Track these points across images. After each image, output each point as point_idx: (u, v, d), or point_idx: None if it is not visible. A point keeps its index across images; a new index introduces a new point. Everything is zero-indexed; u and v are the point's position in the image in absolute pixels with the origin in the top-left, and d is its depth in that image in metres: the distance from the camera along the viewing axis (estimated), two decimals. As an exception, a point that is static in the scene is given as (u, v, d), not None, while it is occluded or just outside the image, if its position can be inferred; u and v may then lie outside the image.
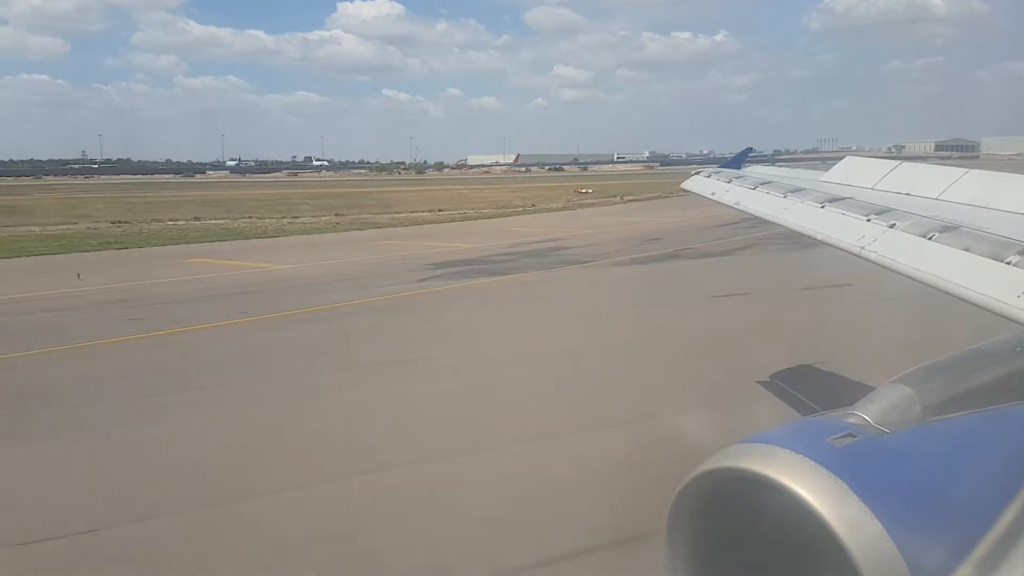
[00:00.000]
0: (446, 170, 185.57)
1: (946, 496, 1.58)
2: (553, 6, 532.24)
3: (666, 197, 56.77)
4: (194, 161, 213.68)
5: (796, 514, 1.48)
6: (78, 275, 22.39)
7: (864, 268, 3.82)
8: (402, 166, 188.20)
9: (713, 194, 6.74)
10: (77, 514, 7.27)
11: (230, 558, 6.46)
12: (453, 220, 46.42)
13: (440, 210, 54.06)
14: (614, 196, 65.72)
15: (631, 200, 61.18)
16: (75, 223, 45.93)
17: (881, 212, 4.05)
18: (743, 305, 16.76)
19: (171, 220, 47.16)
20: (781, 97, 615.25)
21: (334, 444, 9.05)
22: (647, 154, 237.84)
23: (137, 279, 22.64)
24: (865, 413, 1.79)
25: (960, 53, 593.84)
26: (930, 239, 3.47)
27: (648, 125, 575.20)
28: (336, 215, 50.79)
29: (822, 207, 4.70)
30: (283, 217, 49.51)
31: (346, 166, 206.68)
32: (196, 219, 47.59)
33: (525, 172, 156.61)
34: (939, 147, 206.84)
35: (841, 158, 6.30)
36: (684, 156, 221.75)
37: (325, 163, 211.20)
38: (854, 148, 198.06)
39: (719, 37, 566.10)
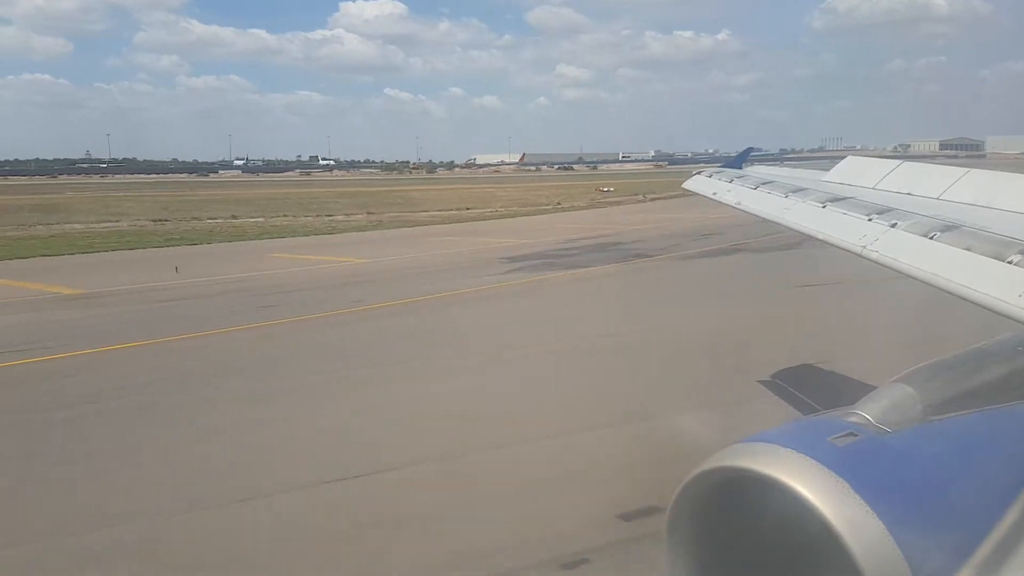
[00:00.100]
0: (456, 169, 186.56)
1: (947, 495, 1.58)
2: (555, 6, 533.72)
3: (689, 195, 57.60)
4: (199, 160, 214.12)
5: (797, 513, 1.48)
6: (176, 268, 23.36)
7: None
8: (411, 165, 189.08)
9: (715, 194, 6.75)
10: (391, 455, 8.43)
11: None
12: (488, 218, 47.10)
13: (468, 208, 54.66)
14: (636, 194, 66.18)
15: (655, 198, 61.91)
16: (116, 221, 46.70)
17: (882, 212, 4.07)
18: (842, 294, 16.43)
19: (209, 218, 47.92)
20: (784, 96, 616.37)
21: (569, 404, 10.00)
22: (652, 153, 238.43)
23: (234, 272, 23.65)
24: (866, 412, 1.79)
25: (962, 52, 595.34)
26: (931, 239, 3.49)
27: (651, 124, 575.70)
28: (368, 213, 51.43)
29: (823, 207, 4.72)
30: (317, 215, 50.17)
31: (352, 165, 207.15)
32: (234, 217, 48.30)
33: (535, 171, 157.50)
34: (944, 146, 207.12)
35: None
36: (690, 155, 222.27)
37: (332, 162, 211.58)
38: (858, 147, 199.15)
39: (721, 36, 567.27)
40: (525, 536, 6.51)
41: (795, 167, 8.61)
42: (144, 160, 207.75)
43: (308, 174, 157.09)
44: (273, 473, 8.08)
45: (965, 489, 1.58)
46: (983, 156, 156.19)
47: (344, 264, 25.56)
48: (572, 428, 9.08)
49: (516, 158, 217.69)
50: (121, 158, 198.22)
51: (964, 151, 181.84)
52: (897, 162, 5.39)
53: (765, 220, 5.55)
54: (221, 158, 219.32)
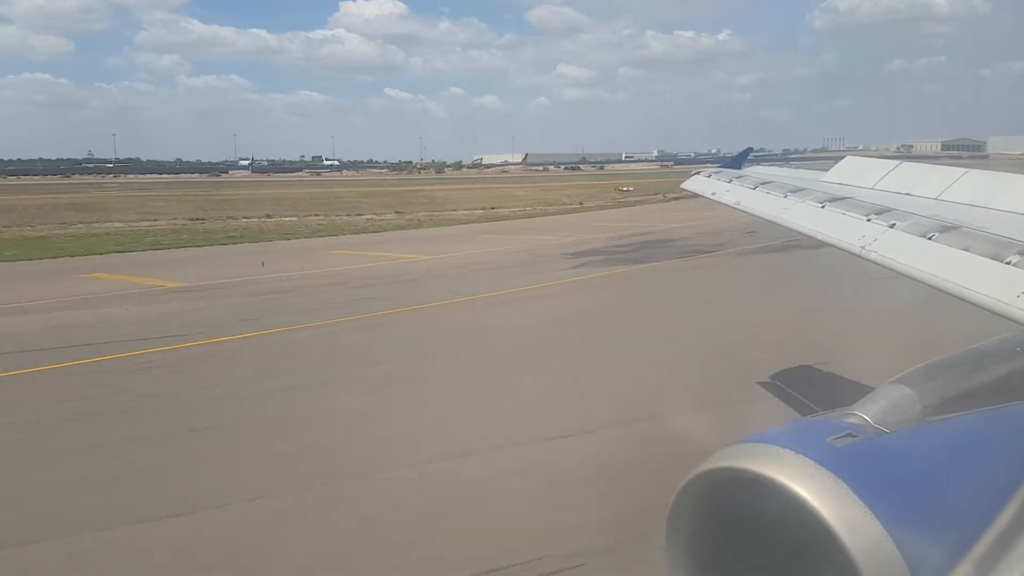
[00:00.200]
0: (464, 169, 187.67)
1: (946, 496, 1.59)
2: (556, 5, 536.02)
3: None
4: (202, 160, 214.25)
5: (796, 514, 1.49)
6: (262, 263, 24.49)
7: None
8: (419, 165, 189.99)
9: (714, 194, 6.84)
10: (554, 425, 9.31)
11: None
12: (519, 216, 47.80)
13: (493, 207, 55.26)
14: (655, 193, 67.06)
15: (675, 197, 63.07)
16: (155, 219, 47.45)
17: (881, 212, 4.10)
18: (913, 286, 17.92)
19: (244, 217, 48.70)
20: (786, 96, 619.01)
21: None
22: (656, 153, 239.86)
23: (311, 268, 24.58)
24: (865, 413, 1.80)
25: (963, 52, 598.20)
26: (930, 239, 3.51)
27: (652, 124, 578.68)
28: (397, 212, 52.22)
29: (822, 207, 4.77)
30: (348, 214, 51.04)
31: (357, 165, 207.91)
32: (267, 216, 49.02)
33: (543, 171, 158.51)
34: (945, 146, 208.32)
35: None
36: (693, 155, 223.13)
37: (336, 162, 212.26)
38: (860, 147, 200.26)
39: (722, 36, 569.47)
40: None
41: (794, 167, 8.77)
42: (147, 160, 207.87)
43: (319, 174, 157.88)
44: (487, 432, 9.30)
45: (963, 490, 1.59)
46: (986, 157, 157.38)
47: (410, 260, 26.49)
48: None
49: (519, 158, 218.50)
50: (123, 158, 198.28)
51: (967, 152, 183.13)
52: (896, 162, 5.42)
53: (764, 220, 5.61)
54: (224, 158, 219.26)
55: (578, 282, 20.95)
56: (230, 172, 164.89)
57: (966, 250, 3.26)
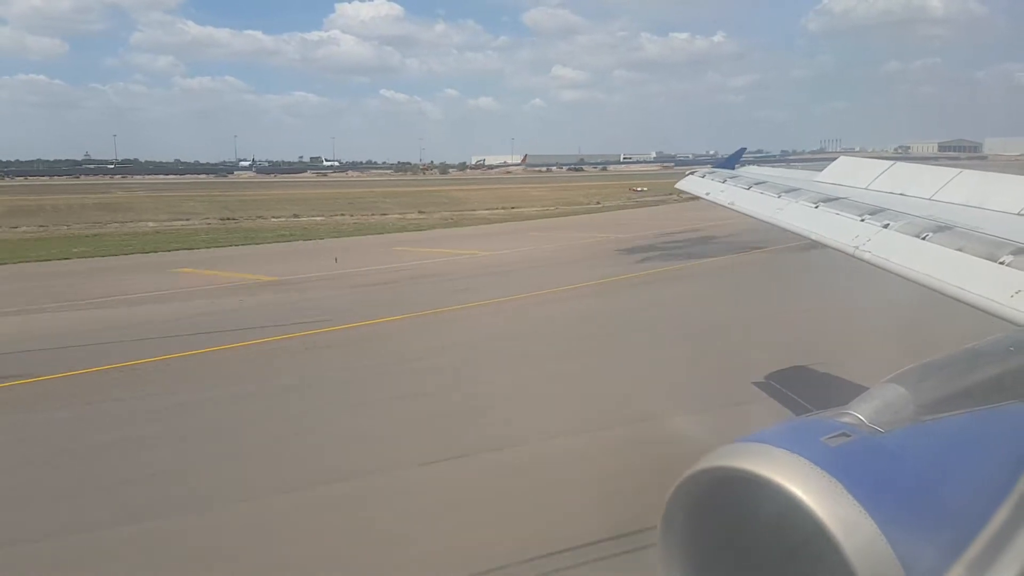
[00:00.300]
0: (467, 170, 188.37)
1: (940, 495, 1.58)
2: (552, 7, 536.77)
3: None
4: (200, 161, 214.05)
5: (791, 513, 1.49)
6: (335, 259, 25.62)
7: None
8: (421, 166, 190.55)
9: (708, 194, 6.84)
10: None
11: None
12: (546, 216, 48.61)
13: (514, 207, 56.09)
14: (670, 193, 68.33)
15: (691, 197, 64.00)
16: (187, 219, 48.40)
17: (875, 212, 4.10)
18: None
19: (273, 217, 49.62)
20: (782, 98, 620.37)
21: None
22: (654, 154, 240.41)
23: (383, 263, 25.87)
24: (859, 412, 1.79)
25: (958, 54, 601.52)
26: (924, 239, 3.49)
27: (648, 126, 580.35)
28: (420, 212, 53.02)
29: (816, 207, 4.75)
30: (374, 214, 51.84)
31: (355, 166, 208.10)
32: (296, 216, 49.94)
33: (546, 172, 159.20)
34: (942, 148, 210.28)
35: None
36: (691, 157, 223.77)
37: (336, 163, 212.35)
38: (857, 149, 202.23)
39: (717, 38, 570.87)
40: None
41: (788, 168, 8.78)
42: (145, 161, 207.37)
43: (324, 175, 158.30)
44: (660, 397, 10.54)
45: (957, 489, 1.58)
46: (985, 158, 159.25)
47: (475, 256, 27.70)
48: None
49: (518, 159, 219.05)
50: (121, 159, 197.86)
51: (965, 153, 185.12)
52: (889, 163, 5.40)
53: (758, 221, 5.57)
54: (223, 159, 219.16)
55: (655, 274, 22.00)
56: (235, 173, 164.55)
57: (960, 250, 3.25)
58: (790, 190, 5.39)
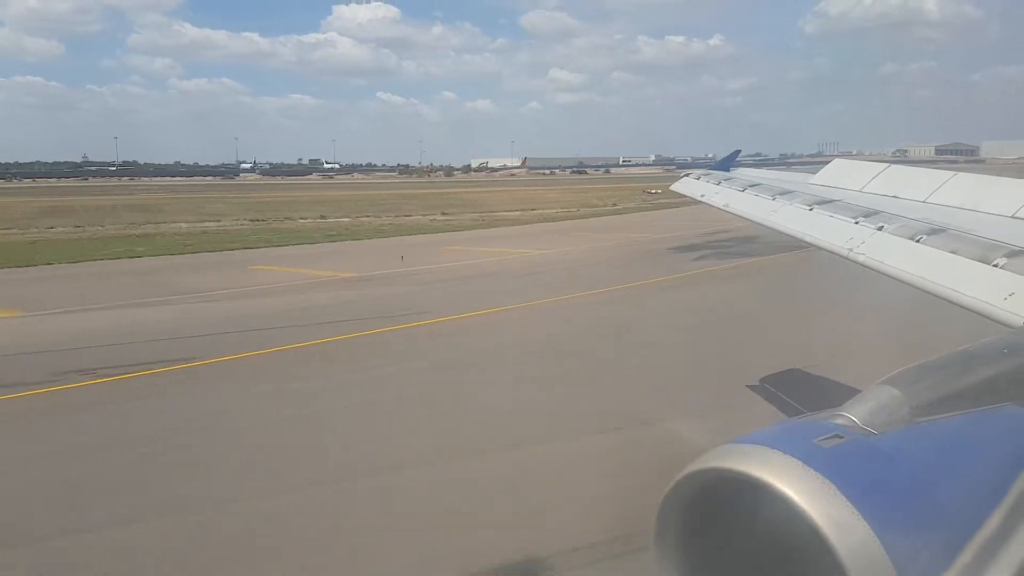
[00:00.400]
0: (471, 172, 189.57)
1: (933, 497, 1.58)
2: (549, 9, 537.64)
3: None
4: (200, 163, 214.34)
5: (784, 515, 1.48)
6: (401, 257, 26.70)
7: None
8: (425, 168, 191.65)
9: (703, 196, 6.88)
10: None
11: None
12: (568, 217, 49.49)
13: (534, 209, 56.84)
14: (684, 195, 69.41)
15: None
16: (218, 220, 49.16)
17: (869, 214, 4.11)
18: None
19: (301, 218, 50.39)
20: (779, 101, 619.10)
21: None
22: (653, 157, 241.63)
23: (443, 262, 26.91)
24: (852, 414, 1.79)
25: (954, 57, 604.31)
26: (918, 241, 3.51)
27: (646, 128, 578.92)
28: (443, 214, 53.77)
29: (810, 209, 4.77)
30: (401, 215, 52.64)
31: (358, 168, 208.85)
32: (322, 217, 50.79)
33: (550, 175, 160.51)
34: (939, 151, 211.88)
35: None
36: (690, 159, 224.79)
37: (336, 165, 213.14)
38: (854, 152, 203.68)
39: (714, 41, 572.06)
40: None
41: (783, 170, 8.86)
42: (145, 163, 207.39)
43: (331, 177, 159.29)
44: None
45: (951, 491, 1.58)
46: (983, 161, 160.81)
47: (530, 255, 28.67)
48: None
49: (518, 162, 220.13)
50: (121, 161, 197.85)
51: (963, 157, 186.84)
52: (883, 165, 5.41)
53: (752, 223, 5.61)
54: (221, 160, 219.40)
55: (723, 271, 22.84)
56: (240, 175, 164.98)
57: (954, 253, 3.26)
58: (784, 192, 5.42)
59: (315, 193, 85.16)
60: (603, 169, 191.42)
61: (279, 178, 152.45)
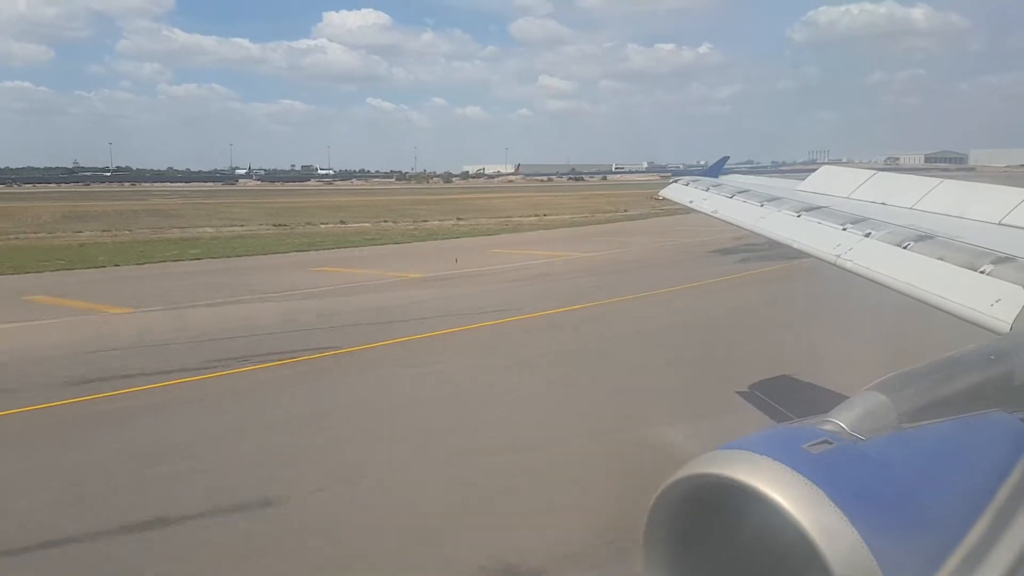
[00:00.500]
0: (470, 179, 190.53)
1: (921, 503, 1.59)
2: (539, 17, 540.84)
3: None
4: (192, 170, 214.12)
5: (773, 521, 1.49)
6: (455, 259, 27.50)
7: None
8: (424, 175, 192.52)
9: (691, 202, 6.96)
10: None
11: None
12: (586, 223, 50.12)
13: (547, 215, 56.77)
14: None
15: (716, 206, 65.66)
16: (241, 225, 49.54)
17: (857, 221, 4.15)
18: None
19: (321, 224, 50.68)
20: (768, 109, 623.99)
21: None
22: (645, 164, 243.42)
23: (498, 264, 27.50)
24: (841, 420, 1.80)
25: (942, 66, 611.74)
26: (905, 248, 3.55)
27: (637, 136, 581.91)
28: (458, 219, 54.03)
29: (798, 216, 4.81)
30: (418, 220, 52.53)
31: (350, 174, 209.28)
32: (342, 223, 51.34)
33: (547, 181, 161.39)
34: (929, 159, 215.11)
35: None
36: (681, 167, 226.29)
37: (331, 171, 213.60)
38: (844, 160, 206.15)
39: (703, 49, 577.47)
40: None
41: (772, 176, 8.89)
42: (138, 168, 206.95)
43: (330, 183, 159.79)
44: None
45: (938, 496, 1.60)
46: (973, 169, 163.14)
47: (575, 257, 29.39)
48: None
49: (511, 169, 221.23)
50: (114, 167, 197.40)
51: (954, 164, 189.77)
52: (871, 172, 5.44)
53: (741, 229, 5.64)
54: (214, 166, 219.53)
55: (771, 272, 23.30)
56: (240, 181, 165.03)
57: (941, 259, 3.29)
58: (772, 199, 5.47)
59: (324, 199, 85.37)
60: (600, 176, 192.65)
61: (279, 184, 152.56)
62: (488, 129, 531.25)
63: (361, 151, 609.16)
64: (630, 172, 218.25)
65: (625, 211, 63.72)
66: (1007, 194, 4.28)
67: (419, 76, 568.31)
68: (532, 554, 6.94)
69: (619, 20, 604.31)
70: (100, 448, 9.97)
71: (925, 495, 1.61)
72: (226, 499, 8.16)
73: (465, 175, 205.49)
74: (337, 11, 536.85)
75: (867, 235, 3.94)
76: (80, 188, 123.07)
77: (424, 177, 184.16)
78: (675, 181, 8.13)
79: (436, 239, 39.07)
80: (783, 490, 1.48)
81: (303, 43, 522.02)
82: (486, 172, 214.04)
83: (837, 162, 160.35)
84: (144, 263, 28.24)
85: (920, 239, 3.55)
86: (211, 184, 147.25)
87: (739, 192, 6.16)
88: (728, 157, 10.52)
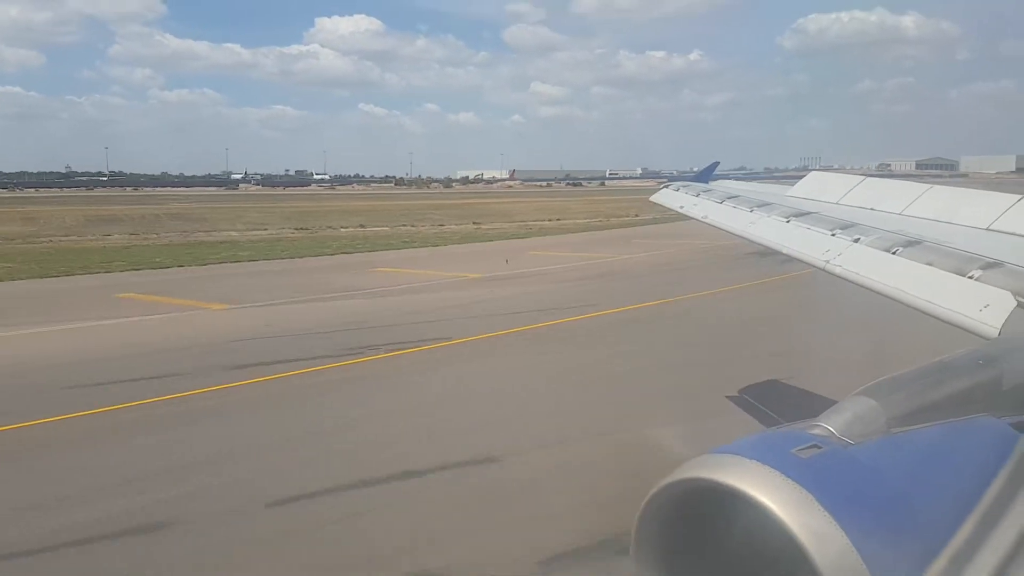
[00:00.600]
0: (469, 184, 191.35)
1: (909, 506, 1.60)
2: (531, 24, 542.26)
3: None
4: (185, 174, 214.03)
5: (762, 525, 1.49)
6: (506, 260, 28.30)
7: None
8: (424, 180, 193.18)
9: (681, 207, 6.95)
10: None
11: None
12: (598, 228, 50.52)
13: (557, 219, 56.62)
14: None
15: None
16: (264, 228, 50.00)
17: (846, 227, 4.18)
18: None
19: (342, 227, 51.09)
20: (760, 116, 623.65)
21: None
22: (640, 170, 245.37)
23: (549, 264, 28.01)
24: (830, 424, 1.80)
25: (932, 74, 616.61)
26: (894, 253, 3.57)
27: (629, 142, 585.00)
28: (474, 223, 54.07)
29: (788, 221, 4.83)
30: (436, 224, 52.36)
31: (347, 179, 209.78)
32: (362, 227, 51.95)
33: (547, 186, 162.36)
34: (920, 165, 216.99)
35: None
36: (675, 173, 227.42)
37: (326, 176, 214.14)
38: (836, 166, 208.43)
39: (693, 56, 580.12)
40: None
41: (764, 183, 9.01)
42: (131, 173, 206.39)
43: (332, 187, 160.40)
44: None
45: (927, 500, 1.61)
46: (965, 176, 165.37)
47: (616, 259, 30.03)
48: None
49: (506, 174, 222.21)
50: (109, 172, 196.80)
51: (946, 171, 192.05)
52: (860, 178, 5.47)
53: (731, 234, 5.65)
54: (207, 171, 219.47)
55: (805, 275, 24.98)
56: (240, 186, 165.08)
57: (930, 264, 3.31)
58: (762, 204, 5.48)
59: (331, 203, 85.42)
60: (599, 182, 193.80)
61: (280, 188, 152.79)
62: (481, 135, 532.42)
63: (355, 156, 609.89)
64: (626, 178, 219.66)
65: (636, 215, 64.24)
66: (995, 200, 4.32)
67: (412, 82, 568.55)
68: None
69: (611, 27, 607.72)
70: (324, 415, 11.09)
71: (913, 499, 1.61)
72: (452, 457, 9.25)
73: (464, 180, 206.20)
74: (329, 17, 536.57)
75: (856, 240, 3.98)
76: (83, 193, 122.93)
77: (423, 182, 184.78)
78: (666, 186, 8.17)
79: (468, 242, 39.63)
80: (772, 494, 1.49)
81: (295, 48, 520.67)
82: (484, 177, 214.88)
83: (829, 168, 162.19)
84: (204, 264, 28.91)
85: (909, 244, 3.59)
86: (213, 189, 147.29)
87: (729, 197, 6.20)
88: (718, 162, 10.67)
